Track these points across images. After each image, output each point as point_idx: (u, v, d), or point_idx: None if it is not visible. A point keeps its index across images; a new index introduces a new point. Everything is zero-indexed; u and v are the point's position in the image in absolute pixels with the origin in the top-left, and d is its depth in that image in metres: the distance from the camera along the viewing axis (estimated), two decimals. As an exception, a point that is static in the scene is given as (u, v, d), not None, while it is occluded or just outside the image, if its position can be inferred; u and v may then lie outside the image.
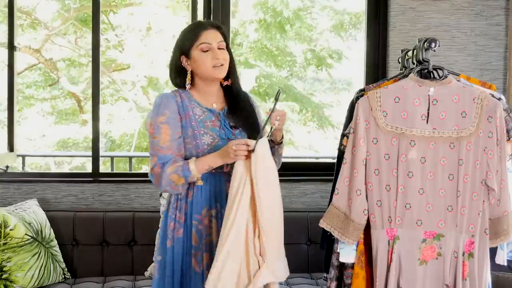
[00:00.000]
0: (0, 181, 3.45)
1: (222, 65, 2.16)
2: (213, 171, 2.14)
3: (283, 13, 8.03)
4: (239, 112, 2.23)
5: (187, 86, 2.21)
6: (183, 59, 2.20)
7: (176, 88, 2.27)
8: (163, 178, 2.09)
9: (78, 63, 8.53)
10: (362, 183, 2.16)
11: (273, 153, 2.20)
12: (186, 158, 2.15)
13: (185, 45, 2.18)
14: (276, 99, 2.12)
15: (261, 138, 2.03)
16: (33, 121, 8.56)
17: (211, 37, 2.17)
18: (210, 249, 2.13)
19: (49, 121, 8.68)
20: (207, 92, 2.23)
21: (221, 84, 2.27)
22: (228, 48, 2.22)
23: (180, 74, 2.23)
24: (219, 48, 2.17)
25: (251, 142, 2.01)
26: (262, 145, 2.02)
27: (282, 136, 2.23)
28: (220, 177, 2.16)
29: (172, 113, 2.15)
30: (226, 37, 2.22)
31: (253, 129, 2.19)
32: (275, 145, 2.22)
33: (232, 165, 2.10)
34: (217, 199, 2.16)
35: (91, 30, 3.60)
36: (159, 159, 2.12)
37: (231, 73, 2.23)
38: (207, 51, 2.15)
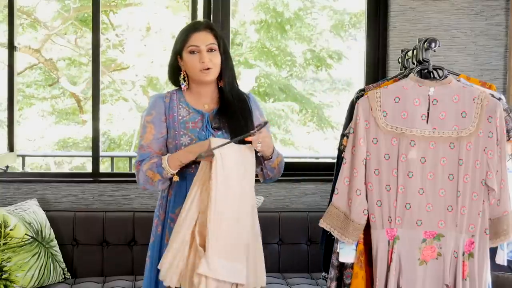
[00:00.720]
0: (0, 181, 3.45)
1: (209, 68, 2.14)
2: (191, 171, 2.14)
3: (284, 14, 8.04)
4: (227, 113, 2.20)
5: (182, 86, 2.22)
6: (179, 59, 2.21)
7: (174, 88, 2.28)
8: (140, 175, 2.15)
9: (79, 63, 8.53)
10: (362, 183, 2.16)
11: (265, 167, 2.21)
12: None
13: (178, 46, 2.20)
14: (259, 127, 2.10)
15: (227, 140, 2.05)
16: (33, 121, 8.57)
17: (201, 39, 2.15)
18: None
19: (49, 121, 8.69)
20: (200, 93, 2.22)
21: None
22: (221, 50, 2.19)
23: (175, 74, 2.25)
24: (208, 51, 2.15)
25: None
26: (220, 146, 2.02)
27: (273, 150, 2.19)
28: None
29: (158, 114, 2.20)
30: (219, 39, 2.19)
31: (236, 132, 2.17)
32: (264, 160, 2.19)
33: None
34: None
35: (91, 30, 3.60)
36: (139, 157, 2.18)
37: (224, 74, 2.21)
38: (195, 53, 2.15)
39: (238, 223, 2.05)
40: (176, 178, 2.13)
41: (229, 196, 2.03)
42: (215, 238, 1.98)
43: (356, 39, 8.63)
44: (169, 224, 2.17)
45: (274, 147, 2.19)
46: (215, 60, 2.16)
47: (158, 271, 2.18)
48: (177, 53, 2.20)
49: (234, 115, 2.19)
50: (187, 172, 2.16)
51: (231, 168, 2.03)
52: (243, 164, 2.07)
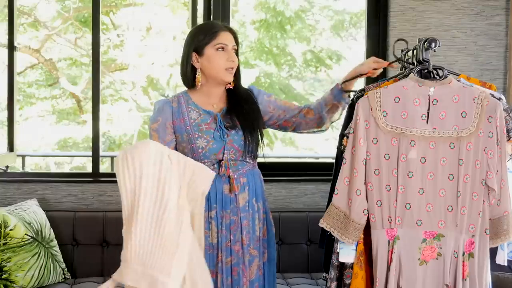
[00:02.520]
0: (0, 181, 3.45)
1: (232, 68, 2.18)
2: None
3: (285, 14, 8.04)
4: (238, 112, 2.22)
5: (198, 85, 2.21)
6: (194, 56, 2.19)
7: (179, 92, 2.28)
8: None
9: (80, 63, 8.53)
10: (362, 183, 2.16)
11: (333, 108, 2.31)
12: None
13: (200, 42, 2.18)
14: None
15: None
16: (33, 121, 8.57)
17: (228, 39, 2.19)
18: (205, 252, 2.14)
19: (50, 121, 8.69)
20: (210, 93, 2.23)
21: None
22: (238, 53, 2.24)
23: (189, 71, 2.23)
24: (233, 51, 2.20)
25: None
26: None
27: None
28: (217, 179, 2.16)
29: (164, 119, 2.19)
30: (238, 42, 2.24)
31: (250, 128, 2.19)
32: (342, 96, 2.29)
33: (227, 168, 2.17)
34: (216, 200, 2.18)
35: (91, 30, 3.60)
36: None
37: (237, 75, 2.25)
38: (223, 51, 2.16)
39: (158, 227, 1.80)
40: None
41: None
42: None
43: (356, 39, 8.64)
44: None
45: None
46: (236, 62, 2.20)
47: None
48: (195, 49, 2.19)
49: (244, 112, 2.22)
50: None
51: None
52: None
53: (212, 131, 2.18)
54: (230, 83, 2.23)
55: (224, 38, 2.18)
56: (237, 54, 2.23)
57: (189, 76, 2.22)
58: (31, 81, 8.63)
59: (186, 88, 2.30)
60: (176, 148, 2.20)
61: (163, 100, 2.25)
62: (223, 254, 2.19)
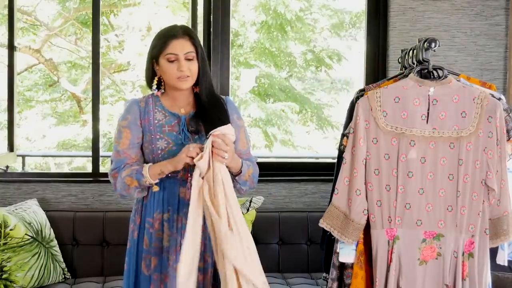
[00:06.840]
0: (0, 181, 3.45)
1: (187, 76, 2.12)
2: (169, 174, 2.12)
3: (286, 15, 8.04)
4: (204, 117, 2.18)
5: (155, 92, 2.19)
6: (154, 63, 2.18)
7: (150, 93, 2.25)
8: (118, 181, 2.13)
9: (79, 65, 8.53)
10: (361, 183, 2.16)
11: (237, 182, 2.17)
12: (145, 163, 2.17)
13: (155, 51, 2.16)
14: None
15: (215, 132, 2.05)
16: (33, 124, 8.56)
17: (179, 47, 2.11)
18: (158, 254, 2.13)
19: (49, 124, 8.69)
20: (176, 97, 2.20)
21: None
22: (199, 58, 2.16)
23: (151, 78, 2.22)
24: (186, 59, 2.12)
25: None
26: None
27: (242, 164, 2.15)
28: (174, 182, 2.13)
29: (133, 118, 2.17)
30: (197, 46, 2.16)
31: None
32: (234, 176, 2.16)
33: (186, 171, 2.11)
34: (169, 203, 2.15)
35: (91, 31, 3.60)
36: (115, 164, 2.16)
37: (200, 81, 2.18)
38: (173, 61, 2.11)
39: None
40: (155, 188, 2.11)
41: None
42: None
43: (356, 39, 8.64)
44: (147, 229, 2.15)
45: (242, 162, 2.16)
46: (193, 68, 2.13)
47: (136, 277, 2.17)
48: (153, 58, 2.17)
49: (211, 118, 2.16)
50: (164, 179, 2.14)
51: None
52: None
53: (175, 133, 2.16)
54: (196, 87, 2.20)
55: (174, 47, 2.11)
56: (201, 59, 2.15)
57: (151, 82, 2.21)
58: (31, 85, 8.62)
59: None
60: (142, 148, 2.19)
61: (132, 100, 2.24)
62: (172, 258, 2.14)
